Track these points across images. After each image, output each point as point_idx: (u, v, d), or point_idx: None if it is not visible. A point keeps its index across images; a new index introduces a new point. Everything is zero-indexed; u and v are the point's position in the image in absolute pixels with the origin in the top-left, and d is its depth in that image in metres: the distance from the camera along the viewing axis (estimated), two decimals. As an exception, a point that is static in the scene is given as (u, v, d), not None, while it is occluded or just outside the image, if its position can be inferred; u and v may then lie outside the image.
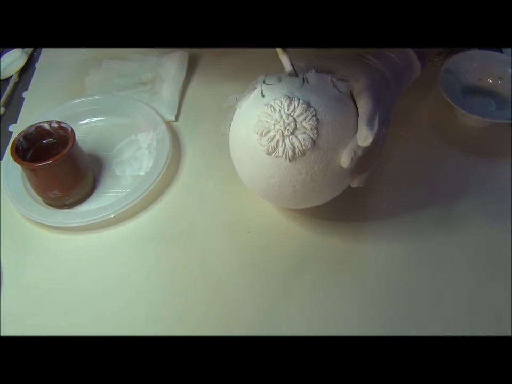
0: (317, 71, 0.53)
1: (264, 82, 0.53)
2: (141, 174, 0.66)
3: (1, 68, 0.78)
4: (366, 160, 0.51)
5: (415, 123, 0.69)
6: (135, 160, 0.67)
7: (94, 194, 0.64)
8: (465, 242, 0.58)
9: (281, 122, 0.49)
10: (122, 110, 0.71)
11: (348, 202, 0.59)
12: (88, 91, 0.75)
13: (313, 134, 0.49)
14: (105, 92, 0.74)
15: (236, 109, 0.55)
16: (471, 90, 0.70)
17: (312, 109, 0.49)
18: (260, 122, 0.50)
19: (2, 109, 0.75)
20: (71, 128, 0.60)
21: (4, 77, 0.78)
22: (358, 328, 0.52)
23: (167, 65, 0.77)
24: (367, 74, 0.53)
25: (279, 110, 0.49)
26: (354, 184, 0.53)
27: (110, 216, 0.60)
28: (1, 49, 0.82)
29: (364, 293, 0.55)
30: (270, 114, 0.49)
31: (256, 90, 0.53)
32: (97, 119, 0.72)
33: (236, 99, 0.55)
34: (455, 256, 0.57)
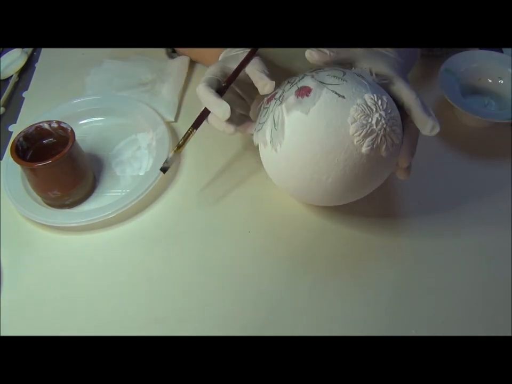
0: (339, 64, 0.54)
1: (320, 81, 0.50)
2: (141, 174, 0.66)
3: (1, 68, 0.78)
4: None
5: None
6: (135, 160, 0.67)
7: (94, 194, 0.64)
8: (465, 242, 0.58)
9: (382, 120, 0.49)
10: (122, 110, 0.71)
11: (346, 204, 0.59)
12: (88, 91, 0.75)
13: (400, 128, 0.51)
14: (105, 92, 0.74)
15: (274, 111, 0.52)
16: (471, 90, 0.70)
17: (393, 105, 0.51)
18: (360, 123, 0.48)
19: (2, 109, 0.75)
20: (71, 128, 0.60)
21: (3, 77, 0.78)
22: (358, 328, 0.52)
23: (168, 67, 0.76)
24: (392, 65, 0.54)
25: (376, 109, 0.49)
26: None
27: (110, 216, 0.60)
28: (1, 49, 0.82)
29: (364, 293, 0.55)
30: (368, 114, 0.48)
31: (324, 92, 0.49)
32: (97, 119, 0.72)
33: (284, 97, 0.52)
34: (454, 256, 0.57)
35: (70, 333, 0.52)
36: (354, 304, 0.54)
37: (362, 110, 0.48)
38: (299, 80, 0.52)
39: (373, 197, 0.61)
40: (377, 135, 0.49)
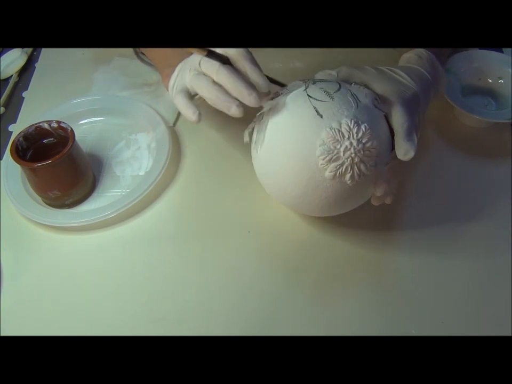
0: (351, 84, 0.52)
1: (309, 95, 0.50)
2: (140, 174, 0.66)
3: (1, 68, 0.78)
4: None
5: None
6: (135, 160, 0.67)
7: (94, 194, 0.64)
8: (465, 241, 0.58)
9: (352, 149, 0.47)
10: (122, 110, 0.71)
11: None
12: (94, 88, 0.75)
13: (376, 158, 0.49)
14: (111, 89, 0.74)
15: (264, 117, 0.52)
16: (471, 90, 0.70)
17: (374, 133, 0.48)
18: (327, 148, 0.47)
19: (2, 109, 0.75)
20: (71, 128, 0.60)
21: (3, 76, 0.78)
22: (358, 328, 0.52)
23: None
24: (400, 92, 0.52)
25: (348, 136, 0.47)
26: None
27: (110, 216, 0.60)
28: (1, 49, 0.82)
29: (364, 293, 0.55)
30: (338, 140, 0.47)
31: (307, 106, 0.49)
32: (97, 119, 0.72)
33: (270, 108, 0.52)
34: (454, 255, 0.57)
35: (70, 333, 0.52)
36: (354, 304, 0.54)
37: (334, 134, 0.47)
38: (293, 90, 0.52)
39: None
40: (343, 163, 0.48)
